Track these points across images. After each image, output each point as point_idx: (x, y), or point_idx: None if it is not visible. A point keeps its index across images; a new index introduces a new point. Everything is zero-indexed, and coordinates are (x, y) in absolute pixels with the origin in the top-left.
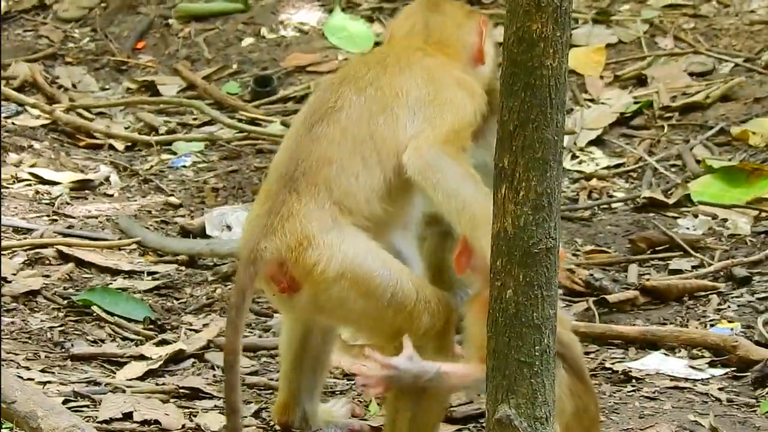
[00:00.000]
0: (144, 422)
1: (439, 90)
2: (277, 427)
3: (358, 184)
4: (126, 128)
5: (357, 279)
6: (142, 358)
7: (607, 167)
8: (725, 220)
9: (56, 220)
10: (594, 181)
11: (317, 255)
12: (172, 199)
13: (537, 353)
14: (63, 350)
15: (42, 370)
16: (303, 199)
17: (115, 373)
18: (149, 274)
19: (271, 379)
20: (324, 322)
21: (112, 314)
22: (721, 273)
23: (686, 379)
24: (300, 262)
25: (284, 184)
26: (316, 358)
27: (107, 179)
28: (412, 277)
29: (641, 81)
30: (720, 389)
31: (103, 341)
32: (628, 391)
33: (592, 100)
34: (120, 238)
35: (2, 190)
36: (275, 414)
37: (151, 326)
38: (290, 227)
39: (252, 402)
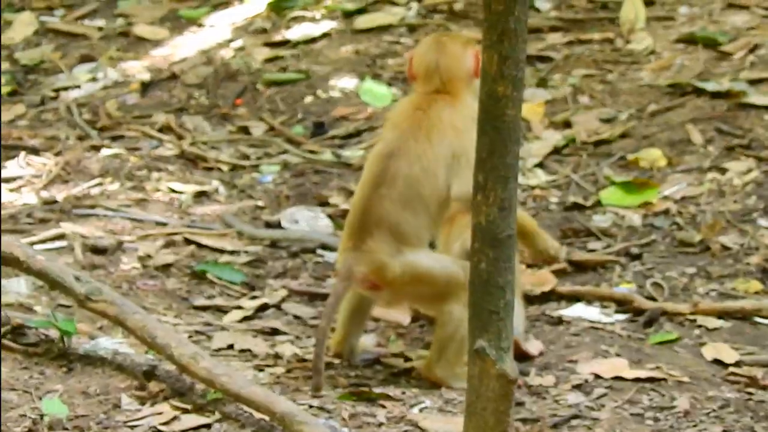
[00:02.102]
0: (241, 351)
1: (465, 145)
2: (331, 355)
3: (410, 225)
4: (229, 156)
5: (421, 278)
6: (240, 308)
7: (546, 182)
8: (624, 216)
9: (183, 217)
10: (537, 191)
11: (391, 274)
12: (259, 203)
13: (501, 305)
14: (188, 302)
15: (174, 316)
16: (376, 240)
17: (222, 318)
18: (245, 252)
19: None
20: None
21: (220, 279)
22: (622, 251)
23: (599, 322)
24: (380, 279)
25: (361, 229)
26: (364, 311)
27: (217, 190)
28: (455, 261)
29: (567, 125)
30: (622, 329)
31: (214, 297)
32: (561, 330)
33: (536, 138)
34: (225, 229)
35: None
36: (333, 346)
37: (246, 287)
38: (370, 259)
39: (312, 337)
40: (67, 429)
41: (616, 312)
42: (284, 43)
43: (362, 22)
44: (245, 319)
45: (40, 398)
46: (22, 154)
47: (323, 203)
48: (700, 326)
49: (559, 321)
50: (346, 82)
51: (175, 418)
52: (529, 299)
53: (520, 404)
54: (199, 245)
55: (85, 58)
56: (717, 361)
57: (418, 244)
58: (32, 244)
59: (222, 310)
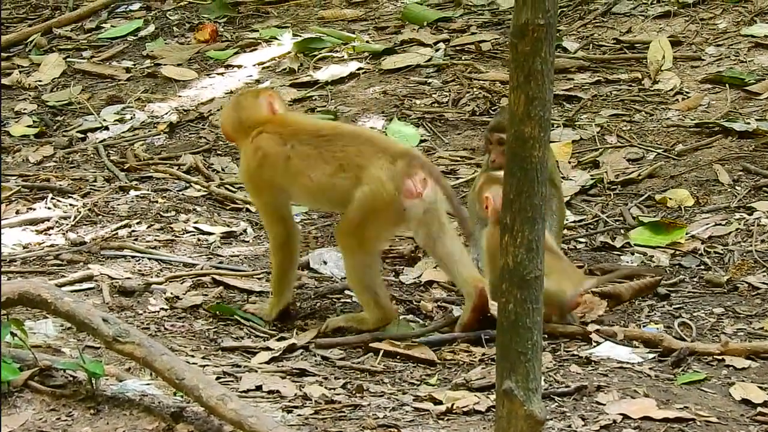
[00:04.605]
0: (269, 392)
1: None
2: None
3: None
4: None
5: None
6: (268, 349)
7: (574, 221)
8: (652, 256)
9: (211, 258)
10: (565, 231)
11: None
12: None
13: (529, 346)
14: (216, 344)
15: (202, 357)
16: None
17: (250, 359)
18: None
19: (352, 361)
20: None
21: (247, 320)
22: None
23: (628, 362)
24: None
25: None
26: None
27: (245, 231)
28: None
29: (595, 164)
30: (650, 368)
31: (242, 338)
32: (590, 370)
33: (563, 177)
34: (253, 269)
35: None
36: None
37: (274, 328)
38: None
39: (340, 378)
40: None
41: (645, 352)
42: (312, 84)
43: (390, 62)
44: (273, 360)
45: None
46: (50, 195)
47: None
48: (728, 366)
49: (588, 361)
50: (374, 122)
51: None
52: (556, 337)
53: None
54: (228, 286)
55: (113, 100)
56: (745, 401)
57: None
58: (60, 285)
59: (250, 352)
